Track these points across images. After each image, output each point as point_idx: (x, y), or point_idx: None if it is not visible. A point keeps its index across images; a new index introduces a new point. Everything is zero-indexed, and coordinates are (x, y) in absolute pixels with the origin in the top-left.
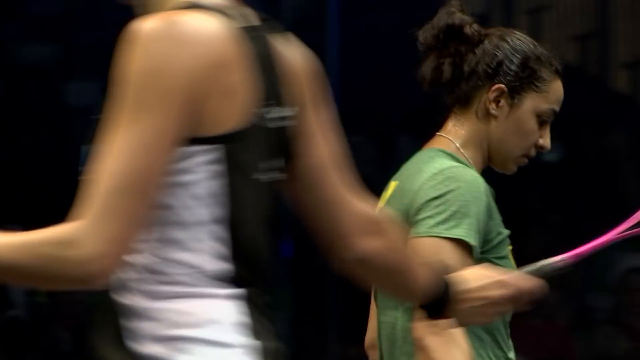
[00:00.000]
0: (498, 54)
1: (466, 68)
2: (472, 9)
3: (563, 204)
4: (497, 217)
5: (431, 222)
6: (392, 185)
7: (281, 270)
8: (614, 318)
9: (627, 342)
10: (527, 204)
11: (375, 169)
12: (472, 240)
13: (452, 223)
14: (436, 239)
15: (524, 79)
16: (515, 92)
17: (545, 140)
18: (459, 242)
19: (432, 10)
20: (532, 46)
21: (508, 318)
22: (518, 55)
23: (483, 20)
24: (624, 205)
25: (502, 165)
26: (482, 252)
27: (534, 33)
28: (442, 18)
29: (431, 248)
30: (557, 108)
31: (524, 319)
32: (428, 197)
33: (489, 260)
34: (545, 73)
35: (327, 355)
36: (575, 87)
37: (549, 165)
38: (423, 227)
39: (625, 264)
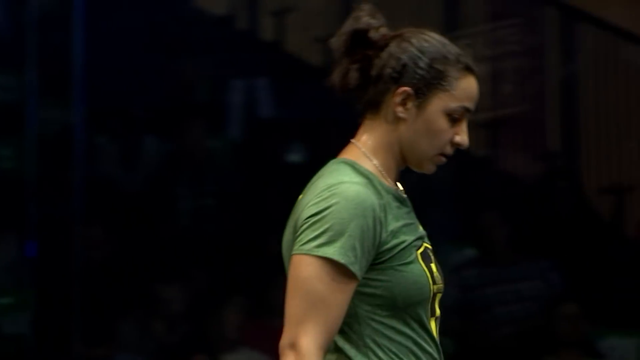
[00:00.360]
0: (403, 56)
1: (373, 73)
2: (216, 11)
3: None
4: (398, 225)
5: (304, 239)
6: (299, 198)
7: (25, 270)
8: None
9: None
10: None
11: (120, 169)
12: (342, 259)
13: (322, 240)
14: (307, 257)
15: (429, 80)
16: (421, 93)
17: (462, 137)
18: (330, 261)
19: (177, 11)
20: (439, 46)
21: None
22: (423, 57)
23: (227, 22)
24: None
25: (418, 166)
26: (382, 262)
27: (279, 35)
28: (349, 23)
29: (303, 266)
30: (468, 105)
31: (264, 319)
32: (309, 214)
33: (393, 269)
34: (452, 72)
35: (71, 356)
36: (321, 89)
37: (293, 167)
38: (297, 245)
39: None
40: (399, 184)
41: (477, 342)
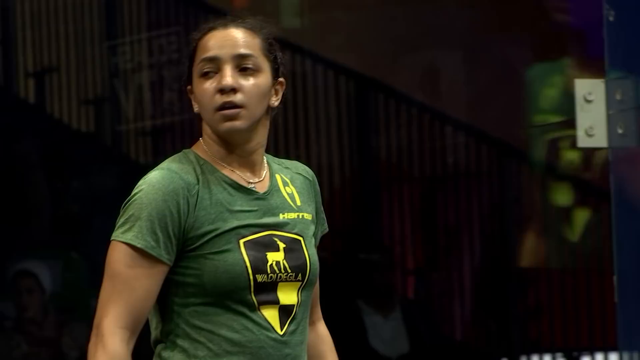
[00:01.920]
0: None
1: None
2: None
3: None
4: (214, 212)
5: (115, 225)
6: None
7: None
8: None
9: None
10: None
11: None
12: (139, 243)
13: (126, 227)
14: (113, 242)
15: (188, 65)
16: (189, 78)
17: (220, 82)
18: (130, 245)
19: None
20: (194, 34)
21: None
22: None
23: None
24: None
25: (217, 131)
26: (192, 250)
27: None
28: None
29: (111, 251)
30: (207, 55)
31: None
32: (124, 201)
33: (203, 257)
34: (195, 42)
35: None
36: None
37: None
38: (114, 231)
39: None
40: (264, 171)
41: None
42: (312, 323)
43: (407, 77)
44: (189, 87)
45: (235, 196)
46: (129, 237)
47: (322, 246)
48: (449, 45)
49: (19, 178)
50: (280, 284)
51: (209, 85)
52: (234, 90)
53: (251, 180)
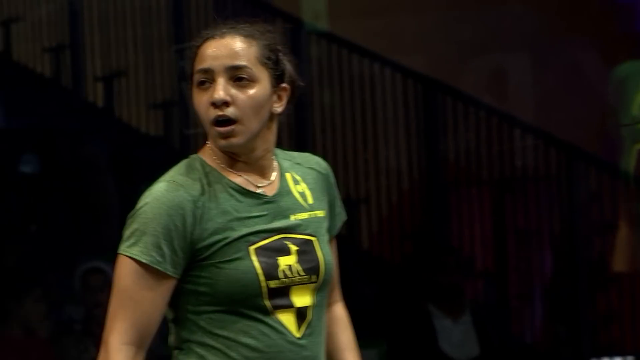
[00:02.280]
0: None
1: None
2: None
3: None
4: (222, 221)
5: (122, 239)
6: None
7: None
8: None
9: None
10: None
11: None
12: (145, 258)
13: (132, 241)
14: (120, 257)
15: (190, 72)
16: (189, 84)
17: (212, 95)
18: (136, 260)
19: None
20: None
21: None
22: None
23: None
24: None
25: (216, 145)
26: (202, 259)
27: (6, 45)
28: None
29: (118, 265)
30: (202, 66)
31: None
32: (130, 214)
33: (214, 266)
34: (194, 51)
35: None
36: (51, 99)
37: (25, 177)
38: (120, 244)
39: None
40: (274, 172)
41: None
42: (329, 305)
43: (474, 79)
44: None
45: (243, 202)
46: (135, 251)
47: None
48: (516, 48)
49: (88, 181)
50: (293, 287)
51: (204, 97)
52: (226, 103)
53: (260, 184)
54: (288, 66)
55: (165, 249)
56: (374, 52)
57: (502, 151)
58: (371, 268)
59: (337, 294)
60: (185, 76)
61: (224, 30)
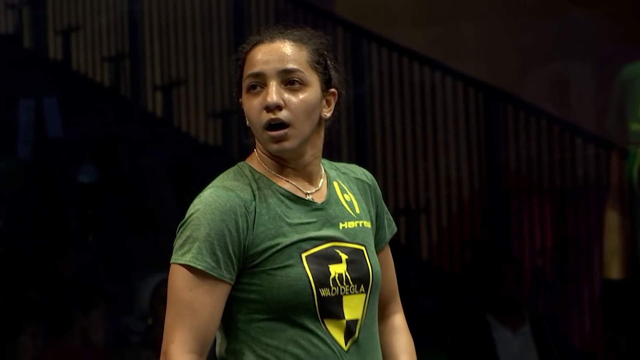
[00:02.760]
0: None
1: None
2: (3, 29)
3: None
4: (274, 227)
5: (174, 248)
6: None
7: None
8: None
9: None
10: (65, 223)
11: None
12: (200, 265)
13: (185, 249)
14: (173, 266)
15: (239, 76)
16: (238, 89)
17: (265, 99)
18: (190, 267)
19: None
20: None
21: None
22: (235, 62)
23: (14, 39)
24: None
25: (268, 149)
26: (254, 266)
27: (65, 54)
28: None
29: (171, 276)
30: (253, 70)
31: (61, 341)
32: (180, 223)
33: (266, 273)
34: (244, 54)
35: None
36: (109, 107)
37: (84, 186)
38: (172, 254)
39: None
40: (321, 180)
41: None
42: (387, 316)
43: (536, 88)
44: (240, 99)
45: (293, 208)
46: (188, 258)
47: (451, 259)
48: (578, 55)
49: (147, 191)
50: (345, 297)
51: (256, 101)
52: (279, 107)
53: (308, 191)
54: (335, 71)
55: (220, 255)
56: (435, 60)
57: (563, 160)
58: (431, 278)
59: (397, 305)
60: (235, 83)
61: (273, 35)
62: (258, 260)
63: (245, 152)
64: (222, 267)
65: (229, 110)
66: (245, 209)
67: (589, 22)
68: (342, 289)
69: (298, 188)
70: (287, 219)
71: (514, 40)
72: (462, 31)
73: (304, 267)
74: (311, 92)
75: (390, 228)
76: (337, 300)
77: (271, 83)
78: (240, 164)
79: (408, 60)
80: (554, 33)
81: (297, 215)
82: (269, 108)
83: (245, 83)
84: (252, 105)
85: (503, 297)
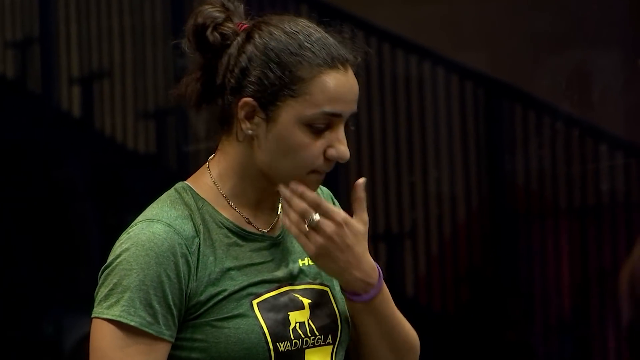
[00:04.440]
0: (241, 59)
1: (218, 81)
2: None
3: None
4: (220, 269)
5: (97, 298)
6: None
7: None
8: None
9: None
10: None
11: None
12: (132, 320)
13: (112, 300)
14: (97, 321)
15: (274, 86)
16: (268, 103)
17: (337, 149)
18: (121, 323)
19: None
20: (287, 39)
21: None
22: (263, 56)
23: None
24: None
25: (302, 185)
26: (195, 317)
27: None
28: (190, 20)
29: (94, 332)
30: (330, 109)
31: None
32: (105, 264)
33: (209, 325)
34: (304, 70)
35: None
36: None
37: None
38: (94, 306)
39: None
40: (279, 204)
41: None
42: None
43: (550, 82)
44: (248, 100)
45: (243, 246)
46: (117, 312)
47: (444, 296)
48: (603, 43)
49: (61, 211)
50: (307, 351)
51: (319, 142)
52: None
53: (264, 230)
54: None
55: (158, 307)
56: (424, 47)
57: (584, 172)
58: (418, 320)
59: None
60: (264, 97)
61: (345, 58)
62: (201, 311)
63: (184, 162)
64: (161, 322)
65: (164, 109)
66: (187, 248)
67: (615, 1)
68: (305, 341)
69: (249, 222)
70: (234, 261)
71: (524, 23)
72: (458, 11)
73: (257, 317)
74: None
75: None
76: (299, 355)
77: (341, 128)
78: (180, 186)
79: (390, 46)
80: (573, 14)
81: (247, 254)
82: (339, 161)
83: (308, 115)
84: (310, 144)
85: (509, 344)
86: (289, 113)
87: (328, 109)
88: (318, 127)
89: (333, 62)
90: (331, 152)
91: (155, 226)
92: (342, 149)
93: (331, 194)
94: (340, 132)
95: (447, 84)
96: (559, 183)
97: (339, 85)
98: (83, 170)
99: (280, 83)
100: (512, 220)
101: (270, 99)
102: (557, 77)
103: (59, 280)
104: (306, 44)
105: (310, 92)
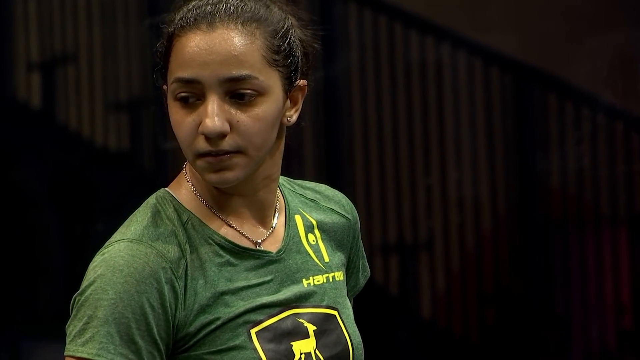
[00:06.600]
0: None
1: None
2: None
3: None
4: (211, 294)
5: (69, 333)
6: None
7: None
8: None
9: None
10: None
11: None
12: (111, 359)
13: (87, 335)
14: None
15: (161, 63)
16: (164, 83)
17: (202, 123)
18: None
19: None
20: (176, 10)
21: None
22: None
23: None
24: None
25: (204, 179)
26: (184, 350)
27: None
28: None
29: None
30: (183, 74)
31: None
32: (77, 292)
33: (202, 359)
34: (173, 40)
35: None
36: None
37: None
38: (67, 342)
39: None
40: (276, 214)
41: None
42: None
43: (590, 68)
44: (164, 86)
45: (238, 265)
46: (94, 350)
47: (466, 319)
48: None
49: (18, 216)
50: None
51: (189, 118)
52: (222, 134)
53: (259, 239)
54: (302, 49)
55: (141, 342)
56: (443, 27)
57: (630, 173)
58: (435, 346)
59: None
60: (156, 72)
61: (213, 16)
62: (191, 343)
63: (162, 161)
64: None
65: (138, 99)
66: (172, 272)
67: None
68: None
69: (243, 234)
70: (228, 283)
71: (558, 2)
72: None
73: (256, 349)
74: (270, 102)
75: (365, 273)
76: None
77: (211, 98)
78: (160, 195)
79: (402, 26)
80: None
81: (242, 275)
82: (206, 135)
83: (172, 88)
84: (182, 121)
85: None
86: (167, 92)
87: (178, 74)
88: (182, 99)
89: (195, 23)
90: (200, 127)
91: (135, 247)
92: (205, 122)
93: (356, 214)
94: (210, 104)
95: (470, 70)
96: (600, 186)
97: (193, 46)
98: (44, 170)
99: (164, 59)
100: (545, 230)
101: (162, 70)
102: (597, 62)
103: (15, 299)
104: (182, 10)
105: (170, 60)
